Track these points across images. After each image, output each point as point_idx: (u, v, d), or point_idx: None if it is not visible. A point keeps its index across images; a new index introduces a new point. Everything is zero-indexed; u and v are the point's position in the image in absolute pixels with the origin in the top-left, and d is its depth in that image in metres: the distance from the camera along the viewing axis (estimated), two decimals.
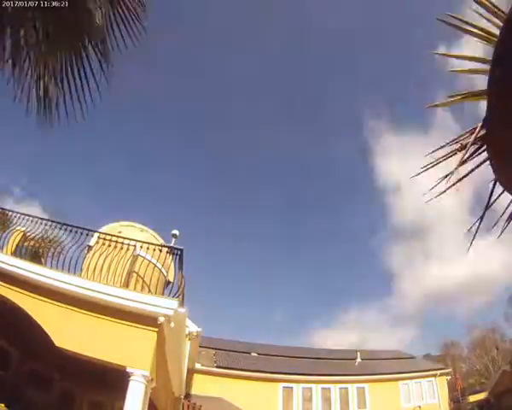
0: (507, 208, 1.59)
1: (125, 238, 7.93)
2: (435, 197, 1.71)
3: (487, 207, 1.57)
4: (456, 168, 1.61)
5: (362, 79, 54.25)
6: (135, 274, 8.39)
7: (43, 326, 6.02)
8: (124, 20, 2.89)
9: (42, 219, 7.65)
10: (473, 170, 1.62)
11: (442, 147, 1.70)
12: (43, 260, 8.07)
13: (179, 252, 7.73)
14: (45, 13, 2.61)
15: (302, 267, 65.87)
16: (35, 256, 7.95)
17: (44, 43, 2.79)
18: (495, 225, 1.66)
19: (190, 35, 46.74)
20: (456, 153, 1.62)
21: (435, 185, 1.69)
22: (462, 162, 1.59)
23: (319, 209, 66.36)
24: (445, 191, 1.67)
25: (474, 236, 1.63)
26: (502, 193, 1.52)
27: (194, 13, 40.98)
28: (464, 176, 1.63)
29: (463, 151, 1.59)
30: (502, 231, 1.63)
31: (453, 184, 1.65)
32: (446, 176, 1.64)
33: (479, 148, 1.57)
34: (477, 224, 1.62)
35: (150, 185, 58.69)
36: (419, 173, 1.76)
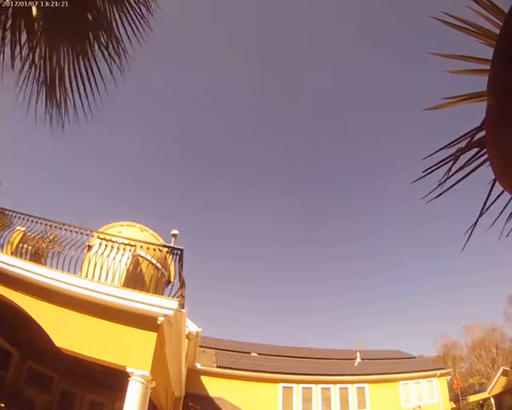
0: (505, 207, 1.59)
1: (125, 238, 7.94)
2: (431, 200, 1.72)
3: (484, 206, 1.58)
4: (451, 174, 1.62)
5: None
6: (135, 274, 8.39)
7: (44, 326, 6.02)
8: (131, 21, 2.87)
9: (42, 219, 7.64)
10: (469, 174, 1.62)
11: (439, 150, 1.70)
12: (43, 260, 8.07)
13: (179, 252, 7.72)
14: (48, 11, 2.60)
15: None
16: (35, 256, 7.94)
17: (50, 41, 2.78)
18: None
19: None
20: (453, 158, 1.62)
21: (434, 189, 1.69)
22: (459, 168, 1.60)
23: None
24: (440, 195, 1.68)
25: (470, 235, 1.64)
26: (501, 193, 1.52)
27: None
28: (460, 179, 1.64)
29: (460, 156, 1.60)
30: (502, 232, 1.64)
31: (449, 188, 1.66)
32: (444, 181, 1.64)
33: (477, 152, 1.57)
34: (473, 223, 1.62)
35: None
36: (419, 179, 1.75)
